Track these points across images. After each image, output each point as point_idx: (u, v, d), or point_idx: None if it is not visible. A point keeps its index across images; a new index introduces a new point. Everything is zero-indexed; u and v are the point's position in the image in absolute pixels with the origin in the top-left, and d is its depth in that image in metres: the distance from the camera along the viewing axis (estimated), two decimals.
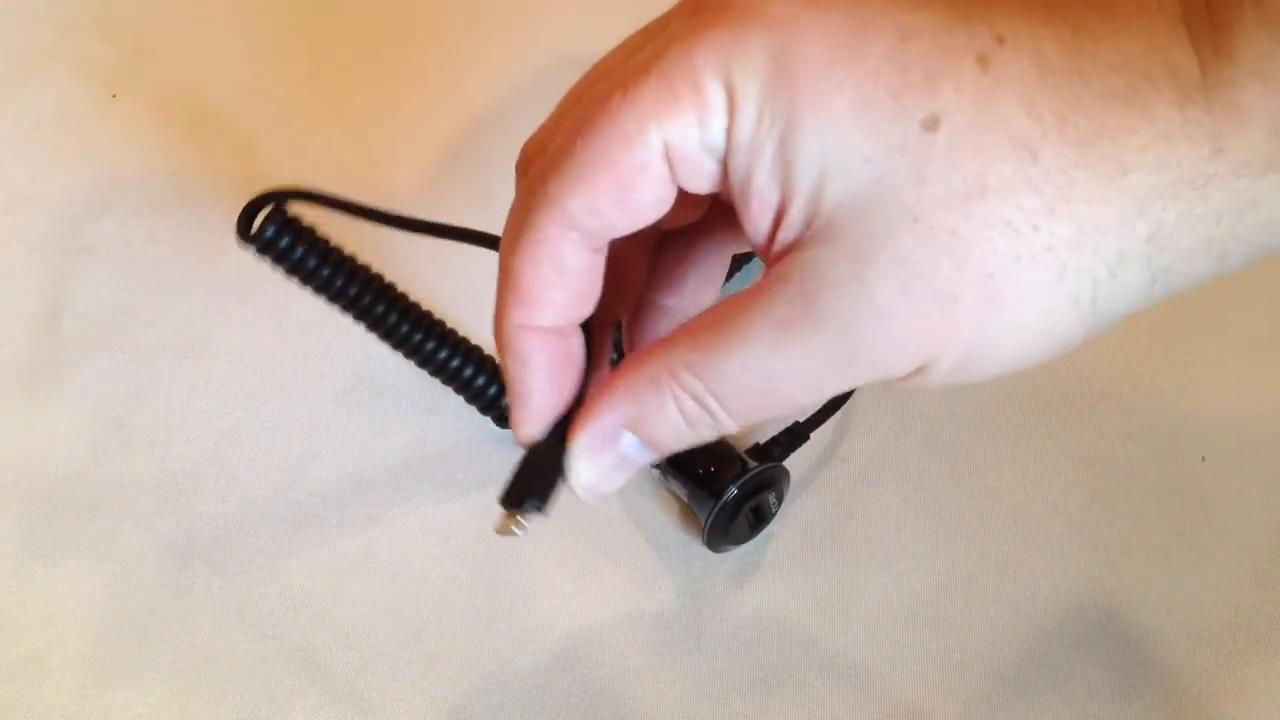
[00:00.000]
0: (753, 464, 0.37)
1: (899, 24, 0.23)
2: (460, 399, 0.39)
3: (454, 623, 0.37)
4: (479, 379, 0.38)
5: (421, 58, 0.49)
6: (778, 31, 0.23)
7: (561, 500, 0.39)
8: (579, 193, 0.25)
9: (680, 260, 0.30)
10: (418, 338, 0.37)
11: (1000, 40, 0.23)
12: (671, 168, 0.24)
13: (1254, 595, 0.37)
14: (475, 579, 0.38)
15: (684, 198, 0.25)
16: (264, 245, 0.34)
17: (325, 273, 0.35)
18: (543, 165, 0.25)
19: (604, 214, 0.25)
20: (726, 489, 0.36)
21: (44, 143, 0.47)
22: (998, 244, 0.23)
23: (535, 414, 0.27)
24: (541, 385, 0.27)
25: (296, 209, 0.35)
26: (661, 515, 0.39)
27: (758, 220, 0.24)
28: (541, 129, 0.27)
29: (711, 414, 0.25)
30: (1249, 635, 0.36)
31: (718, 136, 0.24)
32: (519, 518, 0.27)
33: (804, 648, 0.36)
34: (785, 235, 0.24)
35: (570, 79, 0.26)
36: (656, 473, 0.38)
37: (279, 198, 0.34)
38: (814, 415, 0.38)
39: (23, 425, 0.41)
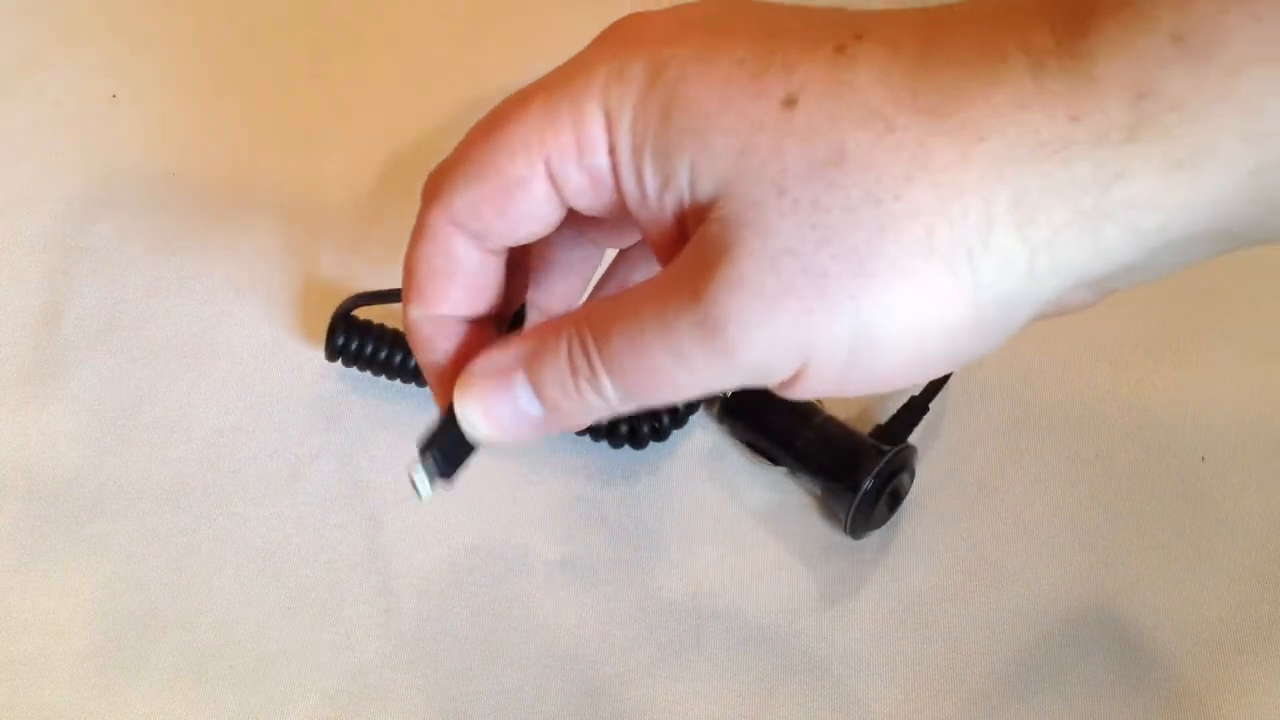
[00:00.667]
0: (886, 448, 0.36)
1: (767, 26, 0.24)
2: None
3: (454, 622, 0.37)
4: None
5: (430, 60, 0.49)
6: (652, 50, 0.24)
7: (561, 501, 0.39)
8: (464, 194, 0.26)
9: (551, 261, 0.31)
10: None
11: (859, 36, 0.24)
12: (556, 186, 0.26)
13: (1254, 595, 0.37)
14: (475, 579, 0.38)
15: (562, 222, 0.27)
16: (348, 358, 0.40)
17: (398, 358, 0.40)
18: (442, 167, 0.27)
19: (486, 220, 0.26)
20: (863, 481, 0.36)
21: (44, 143, 0.47)
22: (861, 214, 0.23)
23: (442, 393, 0.29)
24: (443, 368, 0.29)
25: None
26: (661, 516, 0.39)
27: (648, 213, 0.25)
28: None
29: (596, 379, 0.25)
30: (1249, 635, 0.36)
31: (597, 147, 0.25)
32: (420, 472, 0.29)
33: (804, 648, 0.36)
34: (679, 217, 0.25)
35: None
36: (783, 470, 0.38)
37: (347, 313, 0.40)
38: (928, 387, 0.38)
39: (23, 425, 0.41)
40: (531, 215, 0.26)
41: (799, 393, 0.25)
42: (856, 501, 0.36)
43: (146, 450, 0.40)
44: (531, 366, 0.26)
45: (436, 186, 0.27)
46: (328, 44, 0.50)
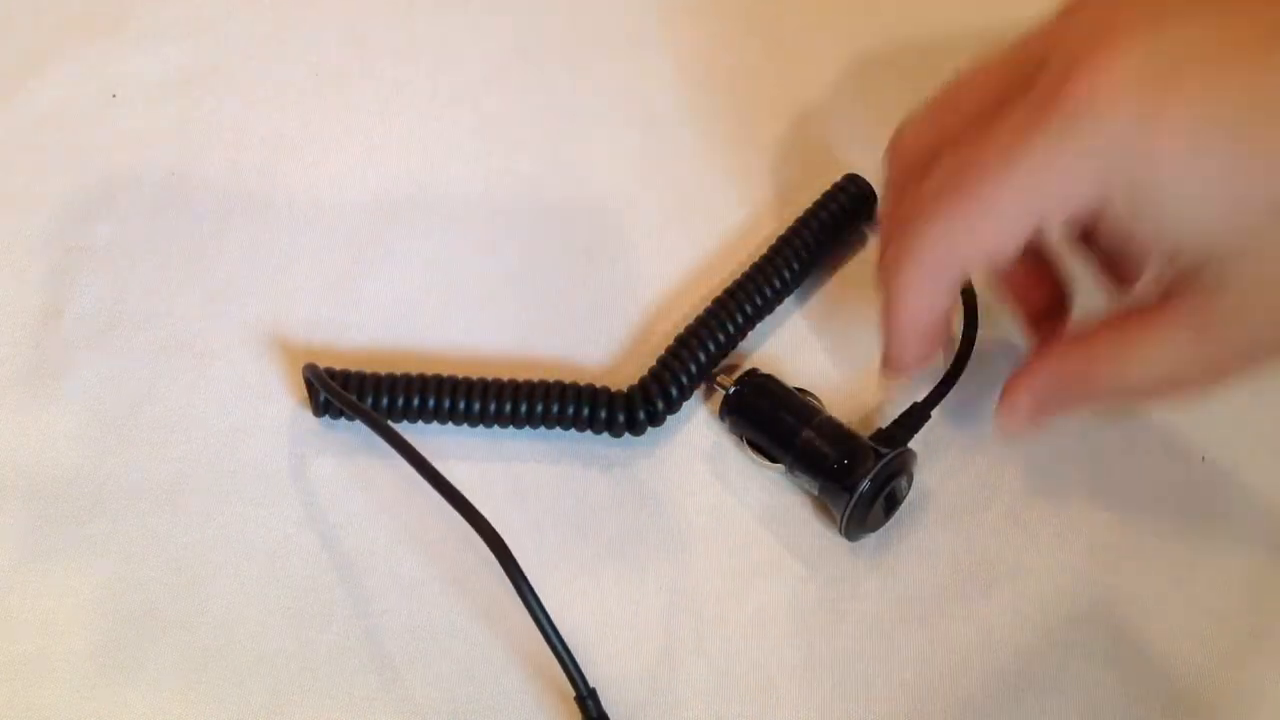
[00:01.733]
0: (884, 451, 0.36)
1: (1250, 100, 0.27)
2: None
3: (454, 623, 0.37)
4: (570, 408, 0.39)
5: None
6: (1133, 123, 0.27)
7: (561, 501, 0.39)
8: (954, 257, 0.31)
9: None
10: (498, 408, 0.39)
11: None
12: (1038, 232, 0.30)
13: (1254, 595, 0.37)
14: (476, 579, 0.38)
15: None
16: (335, 411, 0.39)
17: (388, 402, 0.39)
18: (931, 209, 0.31)
19: (972, 267, 0.32)
20: (860, 482, 0.36)
21: (44, 143, 0.47)
22: None
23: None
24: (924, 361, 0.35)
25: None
26: (660, 516, 0.39)
27: (1136, 266, 0.32)
28: (919, 132, 0.34)
29: (1116, 399, 0.34)
30: (1249, 635, 0.36)
31: (1082, 215, 0.29)
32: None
33: (804, 647, 0.36)
34: (1167, 275, 0.30)
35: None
36: (781, 469, 0.38)
37: (315, 374, 0.39)
38: (930, 393, 0.38)
39: (23, 425, 0.41)
40: (1015, 250, 0.31)
41: None
42: (852, 502, 0.36)
43: (146, 450, 0.40)
44: (1058, 407, 0.35)
45: (919, 249, 0.31)
46: (329, 43, 0.49)
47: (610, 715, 0.35)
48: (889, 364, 0.35)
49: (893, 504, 0.37)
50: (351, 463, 0.40)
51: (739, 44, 0.49)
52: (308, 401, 0.40)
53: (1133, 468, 0.39)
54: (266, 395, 0.41)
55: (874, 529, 0.38)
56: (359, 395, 0.39)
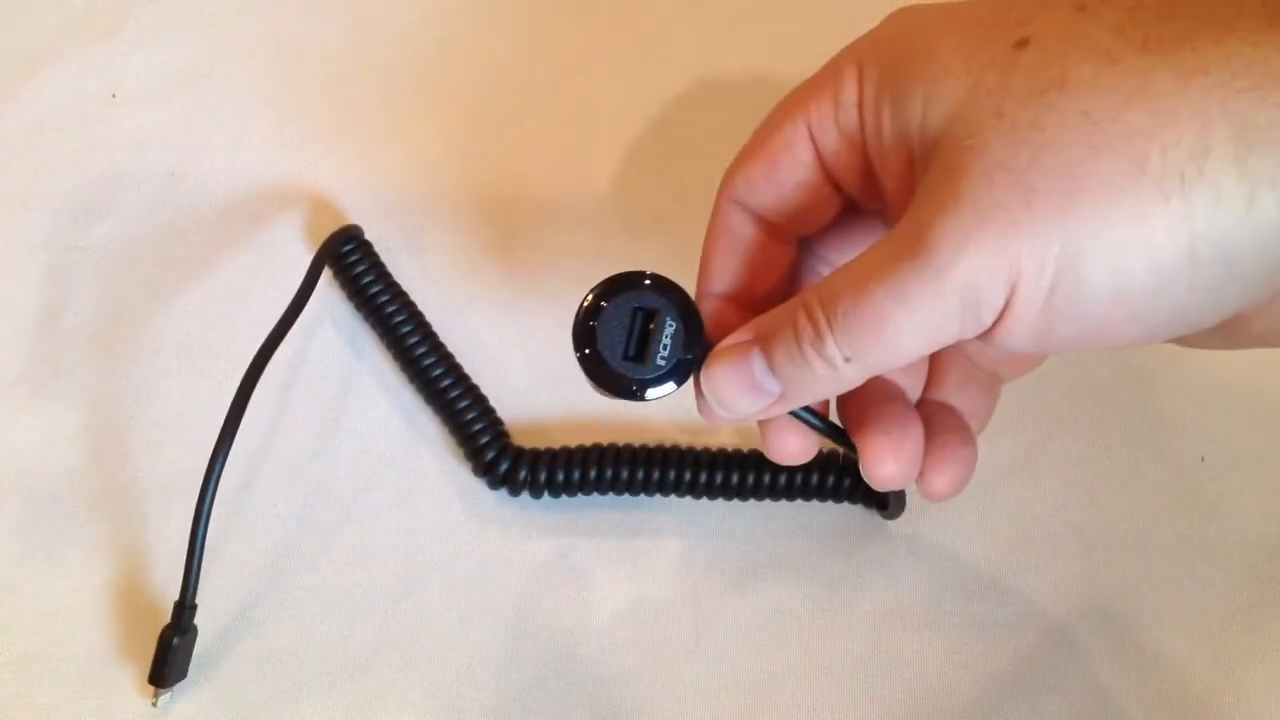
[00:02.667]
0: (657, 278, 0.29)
1: None
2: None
3: (454, 622, 0.37)
4: (471, 428, 0.39)
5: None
6: (905, 22, 0.27)
7: (563, 502, 0.39)
8: (741, 170, 0.29)
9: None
10: (430, 374, 0.40)
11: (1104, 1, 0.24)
12: (816, 148, 0.28)
13: (1254, 595, 0.37)
14: (475, 578, 0.38)
15: (823, 196, 0.29)
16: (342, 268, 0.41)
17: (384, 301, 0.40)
18: (735, 159, 0.30)
19: (757, 188, 0.29)
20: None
21: (44, 143, 0.47)
22: (1075, 133, 0.23)
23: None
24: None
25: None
26: (660, 516, 0.39)
27: (894, 180, 0.27)
28: None
29: (821, 341, 0.26)
30: (1249, 635, 0.36)
31: (851, 111, 0.27)
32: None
33: (804, 648, 0.36)
34: (914, 163, 0.26)
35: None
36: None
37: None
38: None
39: (23, 425, 0.41)
40: (796, 180, 0.29)
41: (1005, 339, 0.24)
42: (584, 299, 0.29)
43: (146, 450, 0.40)
44: (764, 339, 0.27)
45: (727, 174, 0.30)
46: (329, 43, 0.49)
47: (610, 715, 0.35)
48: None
49: (644, 338, 0.29)
50: (351, 462, 0.40)
51: (742, 45, 0.49)
52: (307, 400, 0.40)
53: (1133, 468, 0.39)
54: (265, 394, 0.41)
55: (614, 372, 0.29)
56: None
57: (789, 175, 0.29)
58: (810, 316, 0.26)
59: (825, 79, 0.28)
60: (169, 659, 0.35)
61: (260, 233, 0.44)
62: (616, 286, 0.29)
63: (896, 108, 0.26)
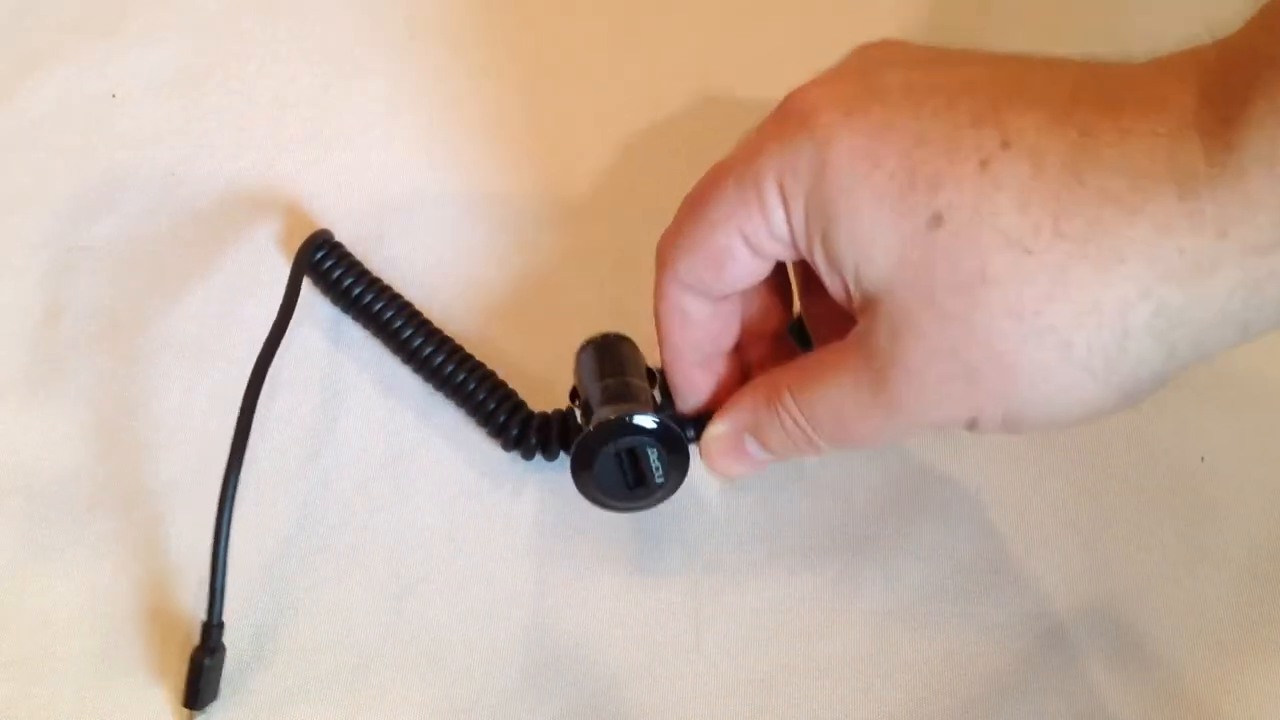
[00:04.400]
0: (648, 413, 0.33)
1: (916, 131, 0.27)
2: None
3: (453, 622, 0.37)
4: (490, 404, 0.39)
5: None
6: (819, 144, 0.28)
7: (560, 501, 0.39)
8: (684, 262, 0.31)
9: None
10: (439, 361, 0.40)
11: (1005, 145, 0.26)
12: (754, 250, 0.30)
13: (1254, 595, 0.37)
14: (475, 578, 0.38)
15: (768, 278, 0.32)
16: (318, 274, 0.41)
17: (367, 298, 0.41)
18: (665, 237, 0.32)
19: (706, 281, 0.31)
20: (605, 418, 0.33)
21: (44, 143, 0.47)
22: (1004, 327, 0.26)
23: (691, 407, 0.35)
24: (699, 395, 0.35)
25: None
26: (660, 517, 0.39)
27: (832, 287, 0.29)
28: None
29: (806, 435, 0.31)
30: (1249, 635, 0.36)
31: (781, 229, 0.29)
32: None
33: (804, 648, 0.36)
34: (853, 301, 0.29)
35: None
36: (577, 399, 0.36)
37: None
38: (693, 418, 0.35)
39: (23, 425, 0.41)
40: (740, 274, 0.31)
41: (963, 432, 0.29)
42: (580, 438, 0.33)
43: (146, 450, 0.40)
44: (756, 433, 0.32)
45: (663, 255, 0.32)
46: (329, 43, 0.50)
47: (610, 715, 0.35)
48: (676, 399, 0.35)
49: (636, 473, 0.34)
50: (350, 462, 0.40)
51: (746, 48, 0.49)
52: (307, 400, 0.40)
53: (1133, 468, 0.39)
54: (265, 394, 0.41)
55: (612, 497, 0.34)
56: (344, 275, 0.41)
57: (733, 273, 0.31)
58: (797, 423, 0.31)
59: (750, 197, 0.29)
60: (202, 681, 0.35)
61: (261, 232, 0.44)
62: (592, 444, 0.33)
63: (829, 255, 0.28)
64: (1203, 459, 0.39)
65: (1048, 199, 0.25)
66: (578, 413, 0.36)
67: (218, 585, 0.35)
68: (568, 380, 0.37)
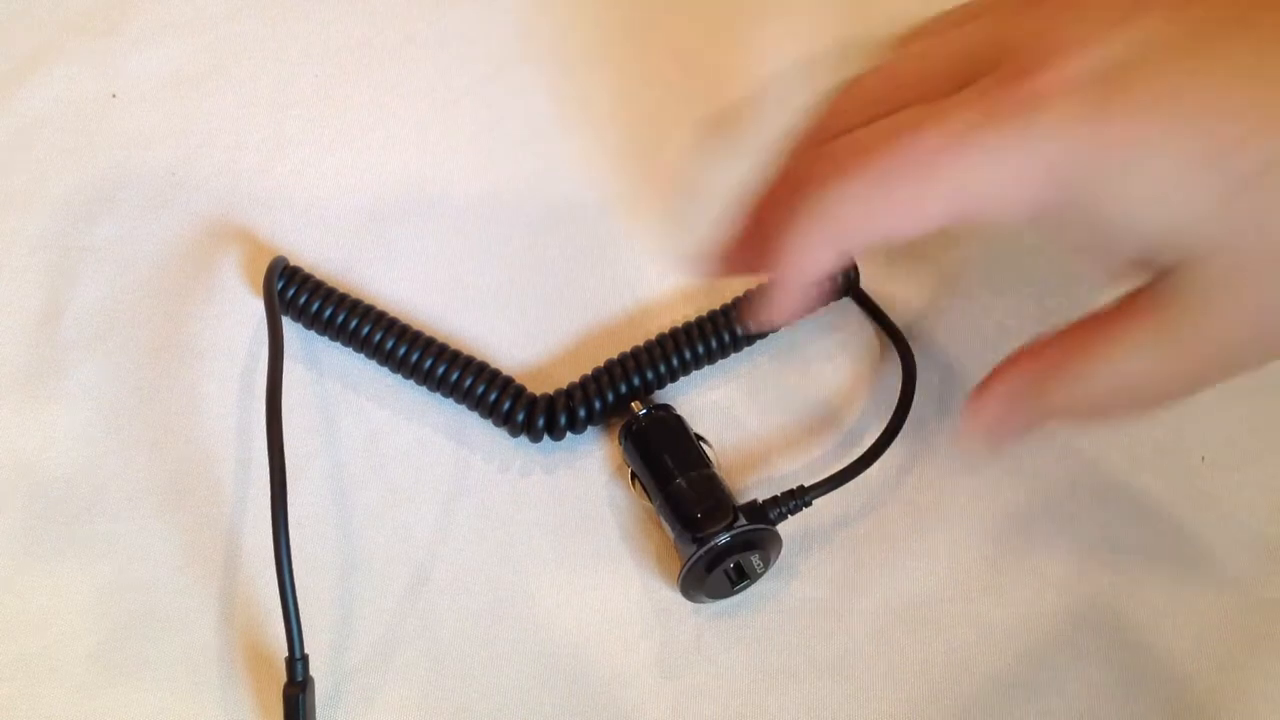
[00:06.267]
0: (743, 522, 0.35)
1: (1203, 89, 0.25)
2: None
3: (453, 622, 0.37)
4: (491, 396, 0.39)
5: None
6: (1092, 127, 0.26)
7: (560, 501, 0.39)
8: (867, 213, 0.28)
9: None
10: (428, 364, 0.40)
11: None
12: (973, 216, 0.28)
13: (1254, 595, 0.37)
14: (475, 578, 0.38)
15: None
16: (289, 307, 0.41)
17: (339, 318, 0.41)
18: (853, 168, 0.28)
19: (879, 232, 0.29)
20: (708, 540, 0.35)
21: (44, 143, 0.47)
22: None
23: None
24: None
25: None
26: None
27: (1094, 256, 0.28)
28: (839, 139, 0.30)
29: (1090, 406, 0.29)
30: (1249, 635, 0.36)
31: (1031, 207, 0.27)
32: None
33: (804, 648, 0.36)
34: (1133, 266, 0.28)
35: None
36: (638, 487, 0.38)
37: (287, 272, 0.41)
38: (820, 483, 0.37)
39: (23, 425, 0.41)
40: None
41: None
42: (694, 557, 0.35)
43: (146, 450, 0.40)
44: (1030, 409, 0.30)
45: (835, 210, 0.29)
46: (329, 43, 0.50)
47: (611, 715, 0.35)
48: (760, 308, 0.32)
49: (741, 577, 0.36)
50: (350, 462, 0.40)
51: (744, 46, 0.49)
52: (307, 401, 0.40)
53: (1133, 468, 0.39)
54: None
55: (716, 597, 0.37)
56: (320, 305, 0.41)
57: (909, 239, 0.29)
58: (1084, 395, 0.29)
59: (1000, 177, 0.27)
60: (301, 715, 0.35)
61: (261, 232, 0.44)
62: (702, 568, 0.35)
63: (1110, 237, 0.27)
64: (1203, 459, 0.39)
65: None
66: (654, 505, 0.37)
67: (292, 616, 0.35)
68: (561, 369, 0.37)
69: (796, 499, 0.37)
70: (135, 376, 0.42)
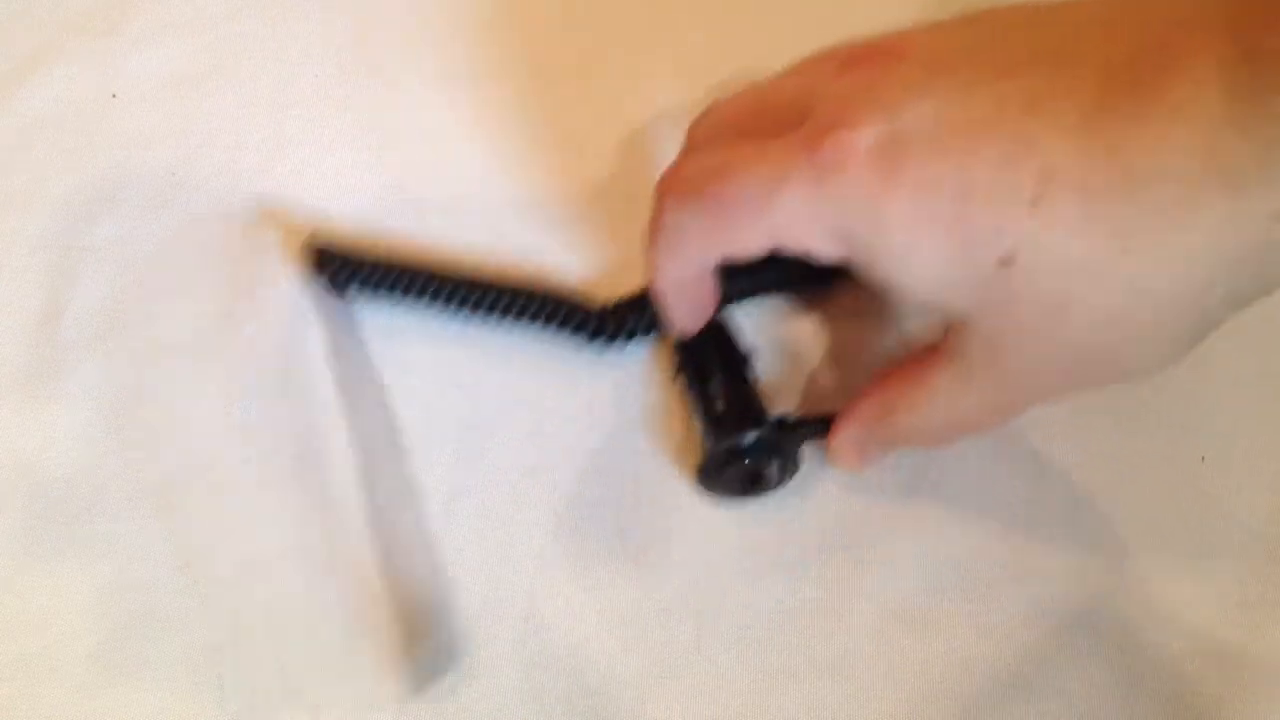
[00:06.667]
0: (767, 422, 0.37)
1: (958, 185, 0.28)
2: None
3: (453, 623, 0.37)
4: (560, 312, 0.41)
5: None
6: (866, 206, 0.29)
7: (561, 501, 0.39)
8: (700, 242, 0.32)
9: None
10: (497, 299, 0.41)
11: (1048, 178, 0.27)
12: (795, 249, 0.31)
13: (1254, 595, 0.37)
14: (474, 579, 0.38)
15: None
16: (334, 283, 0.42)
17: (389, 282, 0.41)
18: (692, 203, 0.32)
19: (716, 257, 0.33)
20: (732, 435, 0.36)
21: (44, 143, 0.47)
22: (1092, 340, 0.28)
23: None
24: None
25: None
26: (660, 515, 0.39)
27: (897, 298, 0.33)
28: (687, 164, 0.33)
29: (921, 438, 0.34)
30: (1249, 635, 0.36)
31: (833, 254, 0.31)
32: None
33: (804, 648, 0.37)
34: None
35: None
36: (680, 382, 0.39)
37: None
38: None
39: (23, 425, 0.41)
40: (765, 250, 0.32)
41: None
42: (712, 453, 0.37)
43: (146, 450, 0.40)
44: (874, 443, 0.36)
45: (676, 236, 0.33)
46: (329, 43, 0.50)
47: (610, 715, 0.35)
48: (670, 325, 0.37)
49: (756, 480, 0.37)
50: (350, 462, 0.40)
51: (746, 47, 0.49)
52: (309, 401, 0.40)
53: (1133, 468, 0.39)
54: (266, 395, 0.41)
55: (728, 495, 0.38)
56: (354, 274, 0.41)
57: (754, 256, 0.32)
58: (911, 432, 0.34)
59: (797, 225, 0.30)
60: None
61: (261, 232, 0.44)
62: (715, 469, 0.37)
63: (894, 288, 0.30)
64: (1203, 459, 0.39)
65: (1102, 220, 0.27)
66: (689, 397, 0.38)
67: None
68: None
69: (824, 422, 0.37)
70: (135, 376, 0.42)
